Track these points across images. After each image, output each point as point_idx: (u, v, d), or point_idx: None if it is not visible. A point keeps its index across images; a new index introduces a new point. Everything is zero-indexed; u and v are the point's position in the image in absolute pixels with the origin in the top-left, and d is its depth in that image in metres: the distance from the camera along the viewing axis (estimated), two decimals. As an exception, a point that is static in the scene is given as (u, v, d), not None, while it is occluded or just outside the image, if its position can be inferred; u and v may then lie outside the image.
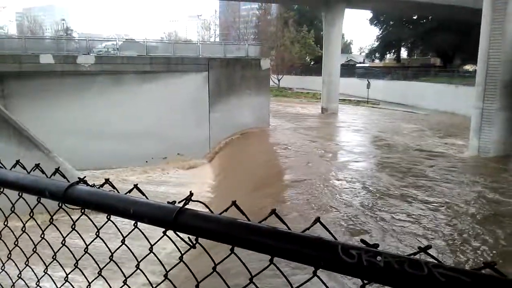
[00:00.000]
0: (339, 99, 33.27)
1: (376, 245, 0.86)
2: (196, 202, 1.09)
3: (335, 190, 11.67)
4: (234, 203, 1.05)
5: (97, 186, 1.24)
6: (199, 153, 20.72)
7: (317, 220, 0.95)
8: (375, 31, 72.23)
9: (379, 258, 0.81)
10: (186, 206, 1.05)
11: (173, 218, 1.01)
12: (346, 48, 68.69)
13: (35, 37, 45.26)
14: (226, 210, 1.05)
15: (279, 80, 56.68)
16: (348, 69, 50.65)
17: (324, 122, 26.90)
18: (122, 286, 1.23)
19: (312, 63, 63.15)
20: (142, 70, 20.60)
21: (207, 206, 1.09)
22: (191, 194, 1.07)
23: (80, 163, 16.27)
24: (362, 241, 0.88)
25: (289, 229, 0.94)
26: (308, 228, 0.95)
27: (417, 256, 0.82)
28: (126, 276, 1.25)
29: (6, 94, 18.30)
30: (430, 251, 0.85)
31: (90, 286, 1.38)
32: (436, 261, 0.80)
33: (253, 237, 0.94)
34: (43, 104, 18.59)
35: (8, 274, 1.69)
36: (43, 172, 1.34)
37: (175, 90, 20.66)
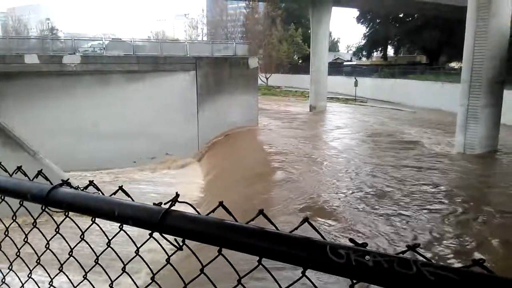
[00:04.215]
0: (328, 97, 33.43)
1: (364, 244, 0.85)
2: (182, 203, 1.07)
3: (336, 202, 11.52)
4: (221, 204, 1.04)
5: (81, 188, 1.21)
6: (187, 152, 20.61)
7: (305, 220, 0.94)
8: (362, 29, 72.68)
9: (367, 257, 0.80)
10: (173, 208, 1.03)
11: (158, 220, 1.00)
12: (333, 46, 68.92)
13: (20, 37, 44.59)
14: (213, 211, 1.03)
15: (267, 79, 56.70)
16: (336, 67, 50.85)
17: (312, 120, 27.00)
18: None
19: (300, 61, 63.30)
20: (129, 70, 20.40)
21: (193, 207, 1.07)
22: (177, 195, 1.05)
23: (66, 164, 16.06)
24: (351, 240, 0.87)
25: (277, 229, 0.93)
26: (296, 228, 0.94)
27: (406, 255, 0.82)
28: (112, 280, 1.23)
29: (-10, 95, 17.99)
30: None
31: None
32: (425, 260, 0.79)
33: (240, 238, 0.93)
34: (29, 104, 18.32)
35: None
36: (25, 174, 1.31)
37: (163, 90, 20.51)
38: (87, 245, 1.33)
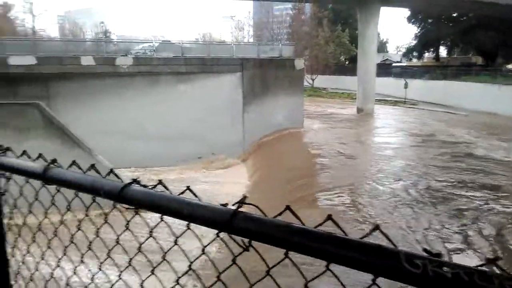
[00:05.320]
0: (375, 99, 32.68)
1: (439, 255, 0.83)
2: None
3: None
4: (288, 208, 1.04)
5: (150, 187, 1.26)
6: (233, 153, 20.83)
7: (377, 227, 0.92)
8: (413, 30, 70.40)
9: (446, 269, 0.78)
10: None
11: (228, 220, 1.02)
12: (382, 47, 67.21)
13: (76, 39, 47.06)
14: (280, 214, 1.04)
15: (313, 80, 56.22)
16: (385, 69, 49.56)
17: (359, 123, 26.48)
18: (174, 286, 1.26)
19: (347, 62, 62.28)
20: (177, 71, 20.91)
21: (260, 209, 1.09)
22: (245, 197, 1.07)
23: (116, 163, 16.64)
24: (425, 250, 0.85)
25: (346, 235, 0.93)
26: (366, 235, 0.93)
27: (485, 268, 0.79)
28: (178, 276, 1.28)
29: (50, 94, 19.04)
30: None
31: (142, 284, 1.42)
32: (506, 273, 0.76)
33: (310, 243, 0.93)
34: (83, 104, 19.19)
35: (62, 270, 1.75)
36: (98, 172, 1.38)
37: (209, 91, 20.85)
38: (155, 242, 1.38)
